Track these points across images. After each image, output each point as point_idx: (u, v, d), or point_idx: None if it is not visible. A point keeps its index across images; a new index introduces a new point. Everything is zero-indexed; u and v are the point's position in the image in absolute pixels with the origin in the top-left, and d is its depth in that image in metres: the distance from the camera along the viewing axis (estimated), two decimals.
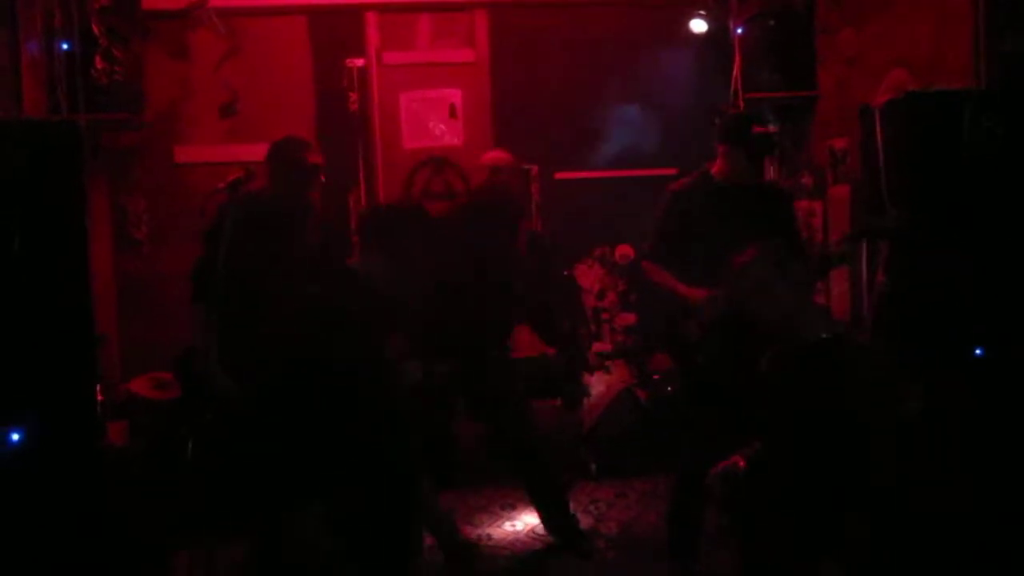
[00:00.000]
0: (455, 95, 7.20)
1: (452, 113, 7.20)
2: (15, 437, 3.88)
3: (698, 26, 6.76)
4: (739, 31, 6.64)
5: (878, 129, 4.72)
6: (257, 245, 4.80)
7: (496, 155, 5.80)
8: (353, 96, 6.93)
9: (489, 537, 5.53)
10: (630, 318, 7.06)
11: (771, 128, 4.80)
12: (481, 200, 5.46)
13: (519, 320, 5.63)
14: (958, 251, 4.23)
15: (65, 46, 5.87)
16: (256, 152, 5.31)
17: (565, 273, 7.04)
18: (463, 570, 5.08)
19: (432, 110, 7.19)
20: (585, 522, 5.59)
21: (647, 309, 6.89)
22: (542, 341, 6.27)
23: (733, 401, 4.64)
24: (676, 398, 6.22)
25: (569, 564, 5.20)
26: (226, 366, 4.58)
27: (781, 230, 4.82)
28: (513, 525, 5.68)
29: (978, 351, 4.19)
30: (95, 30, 6.03)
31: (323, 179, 5.13)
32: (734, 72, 6.62)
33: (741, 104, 6.54)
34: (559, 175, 7.20)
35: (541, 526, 5.54)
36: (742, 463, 3.76)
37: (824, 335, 3.89)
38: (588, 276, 7.13)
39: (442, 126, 7.20)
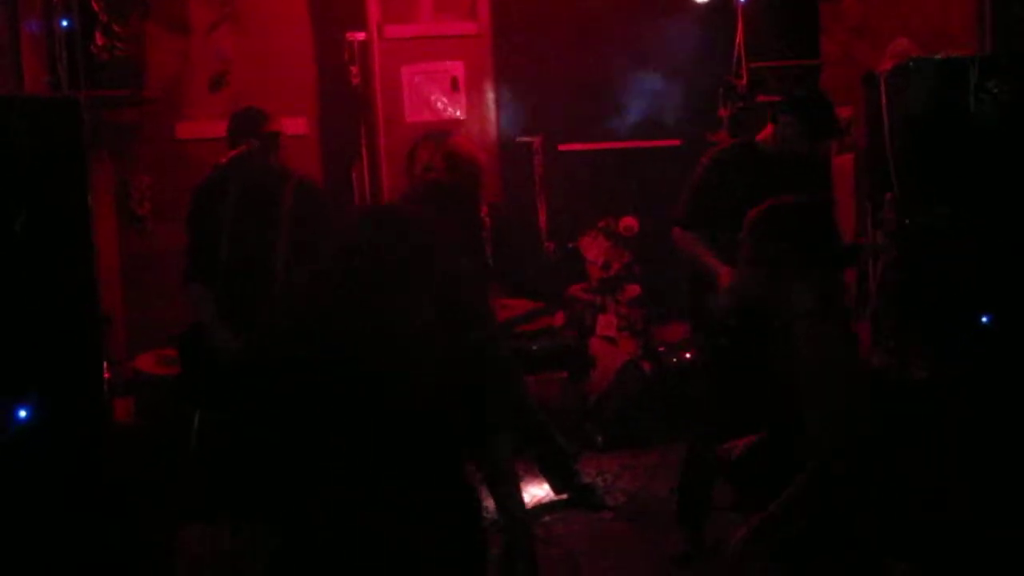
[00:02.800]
0: (457, 68, 7.16)
1: (454, 86, 7.16)
2: (23, 414, 3.89)
3: None
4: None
5: (883, 97, 4.69)
6: (248, 214, 4.82)
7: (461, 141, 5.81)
8: (354, 70, 6.89)
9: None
10: (635, 290, 7.06)
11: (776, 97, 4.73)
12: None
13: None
14: (965, 218, 4.22)
15: (65, 23, 5.84)
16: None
17: (570, 245, 7.06)
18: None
19: (434, 83, 7.16)
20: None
21: (657, 279, 6.86)
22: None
23: (751, 378, 4.61)
24: (693, 368, 6.21)
25: (576, 536, 5.22)
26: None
27: None
28: None
29: (985, 318, 4.18)
30: (94, 6, 5.99)
31: (282, 143, 5.07)
32: (737, 41, 6.57)
33: (745, 73, 6.50)
34: (563, 147, 7.17)
35: (547, 497, 5.56)
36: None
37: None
38: (593, 248, 7.12)
39: (444, 99, 7.17)
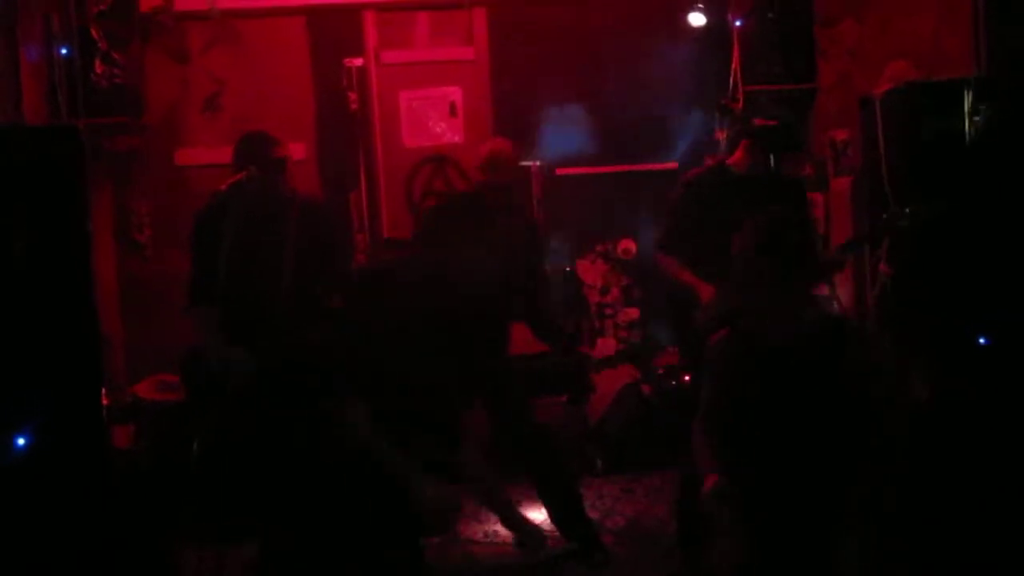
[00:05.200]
0: (455, 93, 7.19)
1: (452, 111, 7.19)
2: (21, 441, 3.88)
3: (696, 19, 6.75)
4: (738, 23, 6.64)
5: (879, 120, 4.72)
6: (248, 237, 4.82)
7: (499, 146, 5.75)
8: (352, 96, 6.94)
9: (496, 533, 5.52)
10: (633, 313, 7.06)
11: (773, 121, 4.77)
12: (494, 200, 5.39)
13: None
14: (961, 239, 4.23)
15: (64, 50, 5.87)
16: None
17: (567, 269, 7.05)
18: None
19: (432, 108, 7.19)
20: (592, 517, 5.51)
21: (655, 303, 6.87)
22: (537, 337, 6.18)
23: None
24: (685, 390, 6.20)
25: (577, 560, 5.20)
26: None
27: None
28: None
29: (982, 340, 4.19)
30: (94, 34, 6.04)
31: (289, 169, 5.06)
32: (733, 65, 6.61)
33: (741, 97, 6.54)
34: (560, 171, 7.20)
35: (548, 522, 5.53)
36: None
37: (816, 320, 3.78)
38: (591, 272, 7.13)
39: (442, 124, 7.20)
